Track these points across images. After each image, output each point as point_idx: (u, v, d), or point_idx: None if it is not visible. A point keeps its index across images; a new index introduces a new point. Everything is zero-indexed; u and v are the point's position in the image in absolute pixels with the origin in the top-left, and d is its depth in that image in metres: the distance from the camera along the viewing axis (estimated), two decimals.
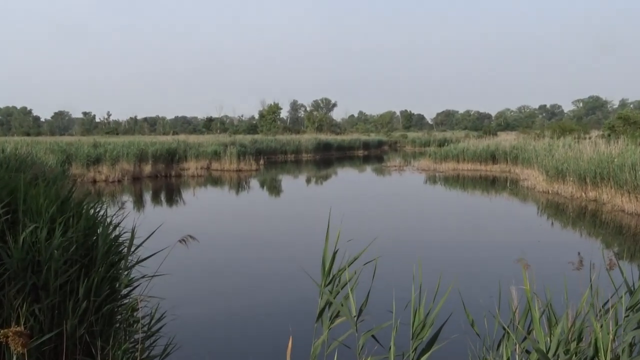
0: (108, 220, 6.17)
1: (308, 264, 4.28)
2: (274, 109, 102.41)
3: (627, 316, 3.47)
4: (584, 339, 3.50)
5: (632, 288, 3.65)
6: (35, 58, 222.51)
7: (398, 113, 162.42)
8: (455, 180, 33.99)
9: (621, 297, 3.65)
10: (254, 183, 34.23)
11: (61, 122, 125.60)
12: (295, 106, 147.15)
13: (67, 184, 7.42)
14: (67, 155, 31.94)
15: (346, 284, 3.41)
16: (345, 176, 42.02)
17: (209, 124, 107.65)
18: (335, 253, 3.41)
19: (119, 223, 6.33)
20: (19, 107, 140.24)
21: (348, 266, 3.44)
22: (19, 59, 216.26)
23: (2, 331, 2.72)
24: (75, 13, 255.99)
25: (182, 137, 60.10)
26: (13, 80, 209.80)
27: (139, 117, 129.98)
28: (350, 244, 3.61)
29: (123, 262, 5.93)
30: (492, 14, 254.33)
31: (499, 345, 3.76)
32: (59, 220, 5.46)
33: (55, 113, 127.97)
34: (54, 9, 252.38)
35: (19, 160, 11.79)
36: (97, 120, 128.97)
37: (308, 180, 37.34)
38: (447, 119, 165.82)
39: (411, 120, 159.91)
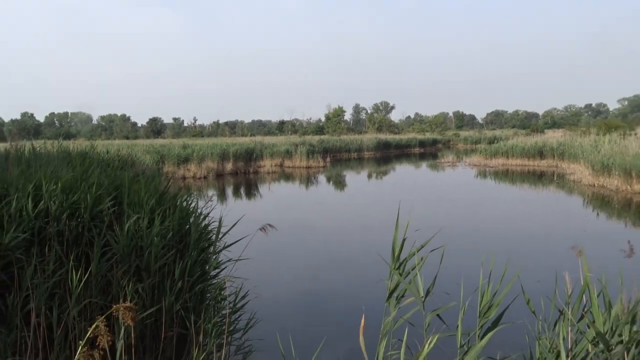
0: (198, 211, 6.30)
1: (377, 250, 4.24)
2: (339, 112, 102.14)
3: None
4: (637, 323, 3.33)
5: None
6: (133, 75, 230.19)
7: (451, 114, 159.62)
8: (505, 175, 33.13)
9: None
10: (322, 178, 34.34)
11: (155, 127, 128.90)
12: (357, 109, 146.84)
13: (163, 180, 7.59)
14: (161, 156, 32.82)
15: (414, 268, 3.35)
16: (404, 172, 41.63)
17: (281, 127, 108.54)
18: (404, 240, 3.36)
19: (207, 214, 6.44)
20: (119, 115, 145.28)
21: (417, 252, 3.38)
22: (119, 75, 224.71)
23: (115, 306, 2.80)
24: (172, 36, 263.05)
25: (258, 138, 60.98)
26: (115, 92, 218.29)
27: (221, 122, 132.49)
28: (417, 233, 3.55)
29: (212, 247, 6.04)
30: (539, 21, 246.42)
31: (555, 326, 3.62)
32: (158, 212, 5.59)
33: (150, 119, 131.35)
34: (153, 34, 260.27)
35: (122, 160, 12.18)
36: (185, 125, 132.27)
37: (370, 176, 37.17)
38: (496, 119, 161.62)
39: (463, 120, 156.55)
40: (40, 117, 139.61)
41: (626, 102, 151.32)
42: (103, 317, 2.82)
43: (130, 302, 4.96)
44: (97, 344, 2.72)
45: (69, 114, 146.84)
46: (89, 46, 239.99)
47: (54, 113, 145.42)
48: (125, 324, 3.41)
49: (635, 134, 32.33)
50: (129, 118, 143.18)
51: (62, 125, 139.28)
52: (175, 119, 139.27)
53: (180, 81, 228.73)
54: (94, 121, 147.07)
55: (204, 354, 5.09)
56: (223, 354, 5.44)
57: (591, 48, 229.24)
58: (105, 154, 13.11)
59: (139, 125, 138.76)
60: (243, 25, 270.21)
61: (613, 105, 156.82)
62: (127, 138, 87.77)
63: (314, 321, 8.06)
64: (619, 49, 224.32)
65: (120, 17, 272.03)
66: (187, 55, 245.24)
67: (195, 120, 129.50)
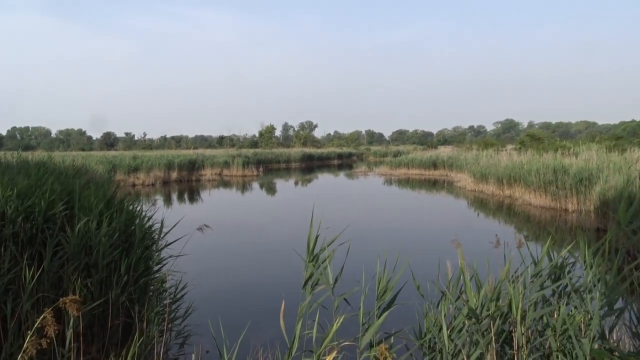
0: (143, 214, 6.11)
1: (297, 245, 4.27)
2: (270, 129, 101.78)
3: (532, 281, 3.49)
4: (501, 299, 3.51)
5: (536, 260, 3.68)
6: (88, 95, 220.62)
7: (364, 132, 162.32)
8: (406, 182, 34.10)
9: (527, 267, 3.69)
10: (255, 185, 34.10)
11: (108, 141, 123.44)
12: (286, 127, 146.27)
13: (112, 187, 7.30)
14: (113, 165, 31.47)
15: (325, 260, 3.39)
16: (325, 179, 41.98)
17: (221, 141, 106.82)
18: (317, 237, 3.39)
19: (151, 216, 6.26)
20: (76, 129, 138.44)
21: (327, 247, 3.42)
22: (75, 94, 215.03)
23: (61, 299, 2.67)
24: (122, 62, 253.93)
25: (200, 151, 59.80)
26: (71, 108, 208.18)
27: (167, 136, 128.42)
28: (329, 230, 3.60)
29: (154, 245, 5.87)
30: (434, 61, 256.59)
31: (438, 305, 3.76)
32: (106, 214, 5.39)
33: (104, 133, 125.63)
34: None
35: (76, 169, 11.58)
36: (136, 138, 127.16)
37: (296, 183, 37.24)
38: (400, 136, 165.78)
39: (373, 137, 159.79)
40: (3, 131, 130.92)
41: (499, 125, 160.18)
42: (50, 308, 2.69)
43: (80, 295, 4.74)
44: (44, 333, 2.58)
45: (30, 128, 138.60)
46: (52, 68, 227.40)
47: (15, 127, 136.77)
48: (73, 315, 3.25)
49: (506, 150, 34.08)
50: (84, 132, 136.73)
51: (23, 138, 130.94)
52: (127, 134, 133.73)
53: (131, 100, 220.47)
54: (53, 135, 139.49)
55: (148, 339, 4.94)
56: (164, 338, 5.30)
57: (473, 80, 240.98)
58: (61, 164, 12.44)
59: (94, 138, 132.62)
60: (183, 54, 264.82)
61: (490, 127, 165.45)
62: (83, 150, 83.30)
63: (244, 307, 7.98)
64: (493, 82, 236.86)
65: (79, 43, 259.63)
66: (137, 78, 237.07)
67: (145, 134, 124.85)
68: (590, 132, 78.51)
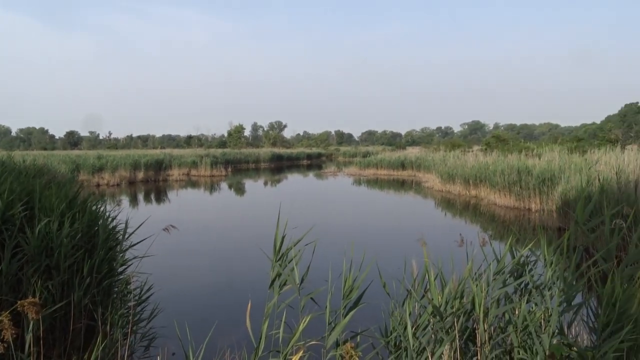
0: (107, 214, 5.99)
1: (264, 245, 4.27)
2: (239, 129, 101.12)
3: (495, 279, 3.58)
4: (464, 297, 3.58)
5: (498, 258, 3.77)
6: (53, 92, 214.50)
7: (333, 132, 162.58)
8: (375, 182, 34.35)
9: (489, 264, 3.77)
10: (224, 185, 33.76)
11: (72, 140, 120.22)
12: (255, 127, 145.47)
13: (74, 187, 7.13)
14: (76, 165, 30.67)
15: (292, 259, 3.40)
16: (294, 180, 41.89)
17: (189, 141, 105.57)
18: (284, 237, 3.40)
19: (115, 216, 6.14)
20: (37, 128, 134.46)
21: (293, 246, 3.43)
22: (40, 92, 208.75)
23: (19, 302, 2.60)
24: (84, 61, 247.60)
25: (168, 150, 58.90)
26: (33, 106, 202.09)
27: (134, 135, 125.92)
28: (296, 230, 3.60)
29: (118, 246, 5.76)
30: (403, 63, 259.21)
31: (403, 303, 3.81)
32: (68, 215, 5.26)
33: (67, 132, 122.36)
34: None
35: (36, 169, 11.26)
36: (101, 138, 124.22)
37: (265, 183, 37.04)
38: (369, 137, 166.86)
39: (343, 138, 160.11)
40: None
41: (466, 126, 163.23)
42: (8, 312, 2.62)
43: (40, 298, 4.61)
44: (2, 337, 2.51)
45: None
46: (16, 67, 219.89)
47: None
48: (32, 319, 3.17)
49: (472, 151, 34.70)
50: (47, 131, 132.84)
51: None
52: (91, 133, 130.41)
53: (96, 99, 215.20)
54: (13, 133, 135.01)
55: (111, 342, 4.84)
56: (129, 341, 5.20)
57: (441, 82, 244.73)
58: (21, 164, 12.06)
59: (57, 137, 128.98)
60: (150, 54, 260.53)
61: (457, 128, 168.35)
62: (45, 149, 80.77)
63: (211, 308, 7.91)
64: (461, 85, 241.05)
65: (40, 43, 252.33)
66: (102, 77, 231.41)
67: (110, 134, 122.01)
68: (553, 134, 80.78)
